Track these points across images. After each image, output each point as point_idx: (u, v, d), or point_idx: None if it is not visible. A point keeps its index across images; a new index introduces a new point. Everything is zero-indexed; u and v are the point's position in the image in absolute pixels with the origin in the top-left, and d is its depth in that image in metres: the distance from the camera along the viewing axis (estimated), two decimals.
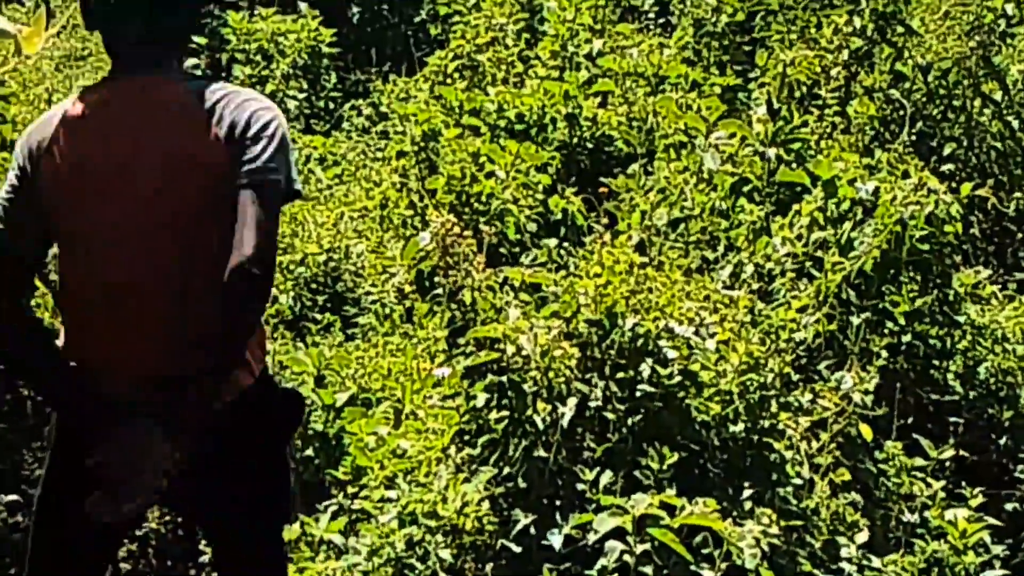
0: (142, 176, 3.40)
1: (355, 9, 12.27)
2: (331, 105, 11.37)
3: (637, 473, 5.08)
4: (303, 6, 11.80)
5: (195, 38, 11.84)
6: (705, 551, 4.88)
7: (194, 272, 3.38)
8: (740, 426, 5.36)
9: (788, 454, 5.49)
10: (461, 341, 5.51)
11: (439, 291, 5.70)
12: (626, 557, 4.84)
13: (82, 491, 3.28)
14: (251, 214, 3.31)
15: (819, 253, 6.37)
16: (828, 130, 7.75)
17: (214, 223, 3.36)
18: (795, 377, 5.86)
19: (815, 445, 5.60)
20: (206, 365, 3.29)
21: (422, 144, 8.40)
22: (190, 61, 11.64)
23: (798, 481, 5.40)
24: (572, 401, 5.18)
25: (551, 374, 5.22)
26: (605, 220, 6.20)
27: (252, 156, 3.34)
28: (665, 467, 5.08)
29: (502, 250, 7.56)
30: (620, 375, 5.27)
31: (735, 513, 5.08)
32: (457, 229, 5.56)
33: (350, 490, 5.69)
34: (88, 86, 3.59)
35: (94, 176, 3.42)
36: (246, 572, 3.59)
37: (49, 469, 3.54)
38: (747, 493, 5.23)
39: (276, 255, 3.45)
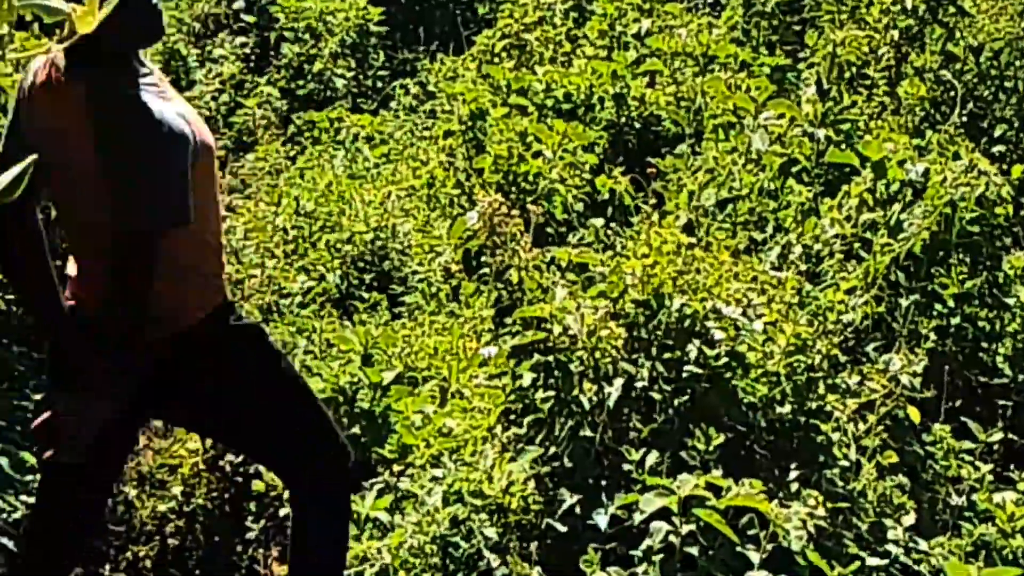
0: (52, 140, 3.79)
1: None
2: (379, 84, 11.38)
3: (683, 454, 5.07)
4: None
5: (244, 16, 11.89)
6: (751, 532, 4.86)
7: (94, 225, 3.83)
8: (787, 407, 5.33)
9: (835, 436, 5.46)
10: (508, 321, 5.51)
11: (486, 270, 5.70)
12: (672, 538, 4.83)
13: None
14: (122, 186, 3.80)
15: (868, 235, 6.33)
16: (878, 111, 7.70)
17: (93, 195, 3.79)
18: (843, 359, 5.83)
19: (862, 427, 5.56)
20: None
21: (469, 123, 8.38)
22: (239, 39, 11.68)
23: (845, 463, 5.37)
24: (618, 381, 5.17)
25: (597, 354, 5.21)
26: (653, 200, 6.17)
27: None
28: (711, 448, 5.07)
29: (549, 230, 7.55)
30: (667, 356, 5.26)
31: (781, 495, 5.07)
32: (504, 209, 5.55)
33: (396, 468, 5.70)
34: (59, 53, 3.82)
35: (44, 128, 3.82)
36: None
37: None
38: (794, 475, 5.21)
39: None
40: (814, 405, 5.38)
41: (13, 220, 3.83)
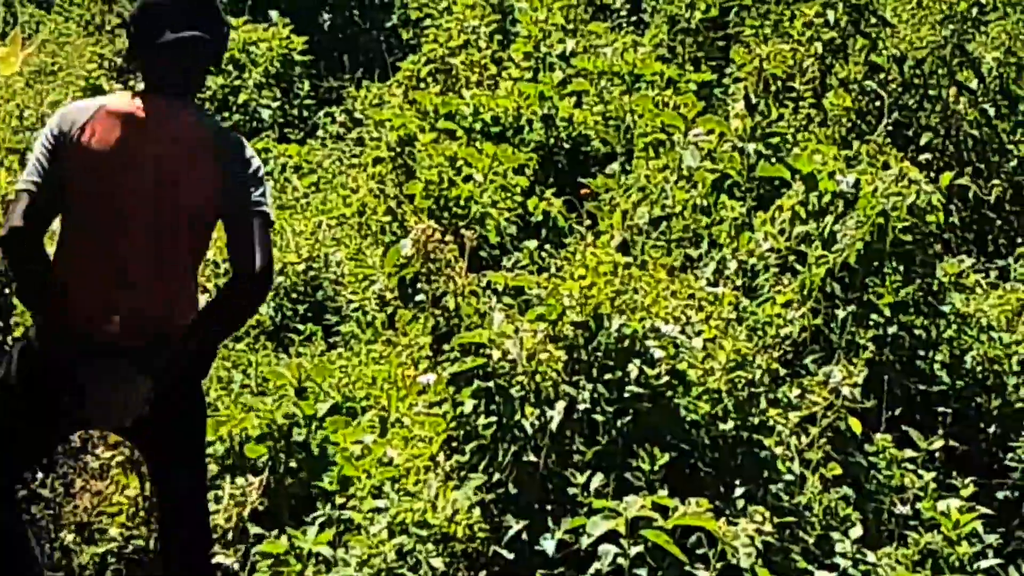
0: (160, 177, 4.43)
1: (326, 16, 12.22)
2: (305, 113, 11.33)
3: (628, 475, 5.04)
4: (274, 14, 11.76)
5: None
6: (700, 551, 4.84)
7: (174, 261, 4.47)
8: (730, 424, 5.32)
9: (779, 450, 5.45)
10: (446, 347, 5.46)
11: (422, 297, 5.65)
12: (620, 560, 4.80)
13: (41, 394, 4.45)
14: (258, 238, 4.44)
15: (802, 247, 6.34)
16: (805, 123, 7.73)
17: (196, 231, 4.51)
18: (783, 373, 5.82)
19: (805, 440, 5.56)
20: (189, 336, 4.45)
21: (398, 150, 8.34)
22: None
23: (789, 477, 5.36)
24: (560, 405, 5.14)
25: (538, 378, 5.18)
26: (588, 221, 6.15)
27: (256, 193, 4.49)
28: (656, 468, 5.04)
29: (483, 254, 7.51)
30: (608, 376, 5.23)
31: (728, 512, 5.05)
32: (438, 235, 5.51)
33: (338, 501, 5.63)
34: (124, 94, 4.62)
35: (115, 167, 4.42)
36: (176, 484, 4.65)
37: (11, 371, 4.52)
38: (739, 491, 5.19)
39: None
40: (756, 420, 5.37)
41: (32, 245, 4.46)
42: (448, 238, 5.55)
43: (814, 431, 5.60)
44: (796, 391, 5.71)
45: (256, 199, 4.47)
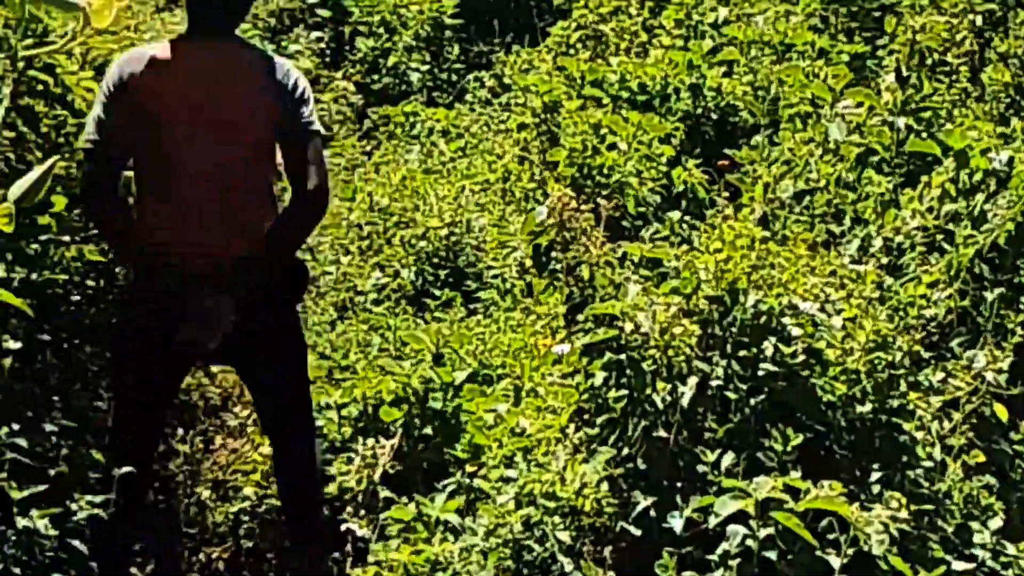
0: (215, 113, 4.67)
1: None
2: (454, 77, 11.29)
3: (760, 455, 4.94)
4: None
5: (319, 11, 11.85)
6: (831, 536, 4.72)
7: (249, 186, 4.74)
8: (868, 406, 5.19)
9: (919, 435, 5.31)
10: (580, 318, 5.41)
11: (558, 266, 5.59)
12: (749, 542, 4.71)
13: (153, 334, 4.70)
14: (312, 157, 4.72)
15: (950, 226, 6.16)
16: (960, 98, 7.51)
17: (258, 159, 4.76)
18: (926, 355, 5.67)
19: (947, 426, 5.41)
20: (266, 255, 4.68)
21: (543, 116, 8.28)
22: (314, 34, 11.64)
23: (929, 464, 5.22)
24: (692, 380, 5.05)
25: (671, 352, 5.09)
26: (726, 193, 6.04)
27: (304, 114, 4.74)
28: (789, 449, 4.93)
29: (625, 223, 7.43)
30: (742, 353, 5.13)
31: (863, 497, 4.92)
32: (574, 203, 5.44)
33: (469, 469, 5.62)
34: (174, 38, 4.86)
35: (178, 106, 4.66)
36: (281, 418, 4.97)
37: (124, 320, 4.95)
38: (875, 476, 5.06)
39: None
40: (896, 403, 5.23)
41: (103, 200, 4.75)
42: (585, 207, 5.48)
43: (957, 416, 5.45)
44: (939, 375, 5.55)
45: (307, 119, 4.75)
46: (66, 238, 5.11)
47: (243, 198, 4.75)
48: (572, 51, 10.50)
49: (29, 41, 4.46)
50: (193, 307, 4.66)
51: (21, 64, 5.13)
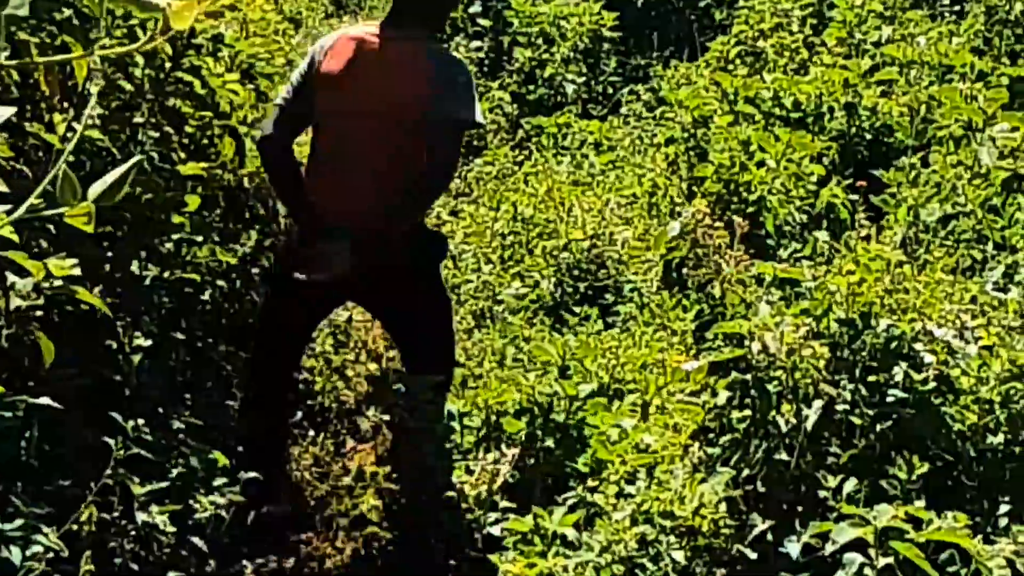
0: (379, 99, 5.32)
1: None
2: (610, 90, 11.27)
3: (883, 482, 4.82)
4: None
5: (480, 20, 11.91)
6: (951, 569, 4.59)
7: (388, 164, 5.32)
8: (1000, 437, 5.03)
9: None
10: (708, 335, 5.33)
11: (688, 282, 5.54)
12: (867, 571, 4.59)
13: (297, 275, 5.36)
14: (447, 143, 5.33)
15: None
16: None
17: (408, 143, 5.32)
18: None
19: None
20: (397, 217, 5.30)
21: (692, 131, 8.21)
22: (474, 43, 11.71)
23: None
24: (818, 404, 4.94)
25: (797, 374, 5.00)
26: (864, 215, 5.91)
27: (449, 106, 5.25)
28: (914, 477, 4.80)
29: (770, 241, 7.34)
30: (871, 378, 5.01)
31: (988, 530, 4.78)
32: (708, 220, 5.38)
33: (590, 483, 5.57)
34: (368, 23, 5.72)
35: (345, 86, 5.36)
36: (420, 354, 5.62)
37: (281, 261, 5.66)
38: (1003, 509, 4.90)
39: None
40: None
41: (279, 149, 5.52)
42: (718, 224, 5.41)
43: None
44: None
45: (461, 116, 5.31)
46: (199, 238, 5.19)
47: (386, 171, 5.35)
48: (731, 66, 10.42)
49: (106, 40, 4.52)
50: (325, 248, 5.29)
51: (159, 63, 5.21)
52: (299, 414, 6.42)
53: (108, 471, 4.49)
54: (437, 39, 5.91)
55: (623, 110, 10.82)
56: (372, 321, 6.41)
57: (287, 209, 5.77)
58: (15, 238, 2.77)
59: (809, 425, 4.92)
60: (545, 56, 11.23)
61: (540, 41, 11.32)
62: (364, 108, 5.35)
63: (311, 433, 6.37)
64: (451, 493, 5.44)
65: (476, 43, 11.74)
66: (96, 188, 2.11)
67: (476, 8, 11.97)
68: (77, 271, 3.54)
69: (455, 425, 5.99)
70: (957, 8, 10.63)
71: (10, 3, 1.83)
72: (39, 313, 4.09)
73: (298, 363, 6.00)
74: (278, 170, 5.55)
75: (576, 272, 7.82)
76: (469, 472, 5.63)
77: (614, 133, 10.21)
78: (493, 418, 5.85)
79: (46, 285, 3.84)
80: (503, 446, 5.75)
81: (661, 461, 5.35)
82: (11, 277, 4.03)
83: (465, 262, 8.34)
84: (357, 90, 5.36)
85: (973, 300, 5.43)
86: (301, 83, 5.49)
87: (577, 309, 7.40)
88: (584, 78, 11.16)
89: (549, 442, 5.73)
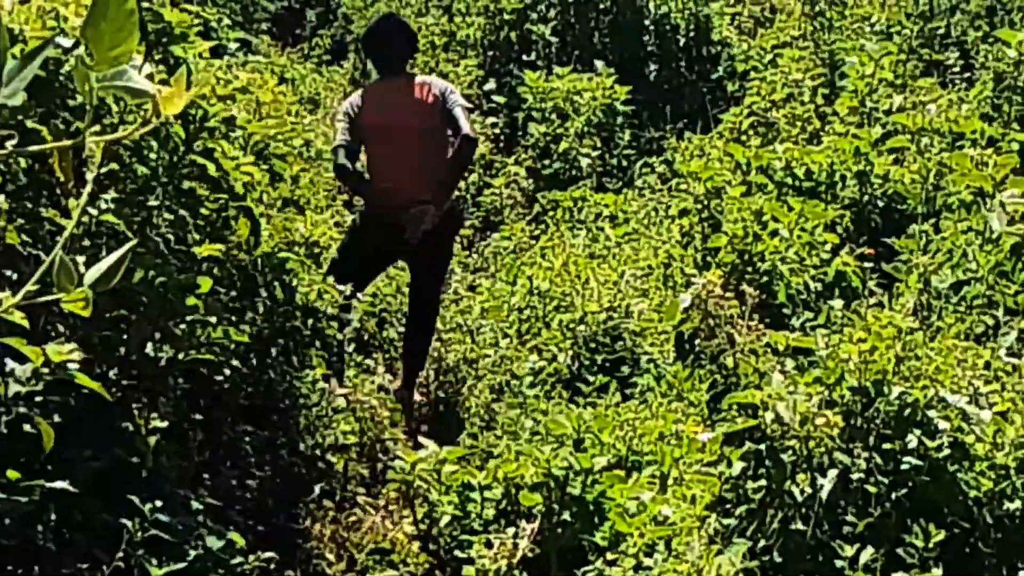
0: (409, 114, 7.58)
1: (652, 67, 12.20)
2: (624, 163, 11.32)
3: (900, 551, 4.82)
4: (599, 64, 11.82)
5: (495, 97, 12.02)
6: None
7: (431, 155, 7.50)
8: (1016, 503, 5.03)
9: None
10: (723, 405, 5.35)
11: (702, 354, 5.55)
12: None
13: (374, 236, 7.60)
14: (462, 121, 7.51)
15: None
16: None
17: (436, 140, 7.56)
18: None
19: None
20: (441, 195, 7.50)
21: (706, 201, 8.25)
22: (489, 119, 11.80)
23: None
24: (833, 472, 4.95)
25: (811, 443, 5.01)
26: (876, 282, 5.92)
27: (452, 100, 7.58)
28: (931, 545, 4.80)
29: (785, 310, 7.35)
30: (885, 446, 5.02)
31: None
32: (719, 291, 5.40)
33: (609, 556, 5.56)
34: (374, 81, 8.21)
35: (387, 114, 7.59)
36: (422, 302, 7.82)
37: (356, 229, 7.78)
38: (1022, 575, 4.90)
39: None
40: None
41: (351, 172, 7.65)
42: (729, 294, 5.44)
43: None
44: None
45: (455, 102, 7.56)
46: (212, 319, 5.23)
47: (429, 165, 7.49)
48: (744, 137, 10.49)
49: (96, 128, 4.58)
50: (407, 216, 7.41)
51: (173, 146, 5.27)
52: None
53: (124, 553, 4.50)
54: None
55: (637, 183, 10.88)
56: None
57: (364, 199, 7.90)
58: (25, 323, 2.81)
59: (824, 494, 4.92)
60: (560, 131, 11.31)
61: (554, 116, 11.40)
62: (402, 123, 7.56)
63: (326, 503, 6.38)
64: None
65: (492, 119, 11.83)
66: (92, 274, 2.15)
67: (491, 85, 12.08)
68: (77, 356, 3.57)
69: (476, 496, 6.01)
70: (967, 75, 10.69)
71: (3, 92, 1.87)
72: (39, 399, 4.12)
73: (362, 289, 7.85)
74: (354, 183, 7.86)
75: (593, 344, 7.84)
76: (488, 546, 5.63)
77: (629, 206, 10.26)
78: (512, 491, 5.85)
79: (46, 371, 3.87)
80: (521, 520, 5.75)
81: (679, 533, 5.35)
82: (10, 363, 4.07)
83: (483, 336, 8.37)
84: (393, 115, 7.58)
85: (986, 366, 5.44)
86: (350, 127, 7.61)
87: (594, 380, 7.42)
88: (598, 152, 11.23)
89: (566, 515, 5.72)
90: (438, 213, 7.46)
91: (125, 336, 5.04)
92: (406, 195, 7.43)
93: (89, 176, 3.96)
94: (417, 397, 8.00)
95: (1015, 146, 7.87)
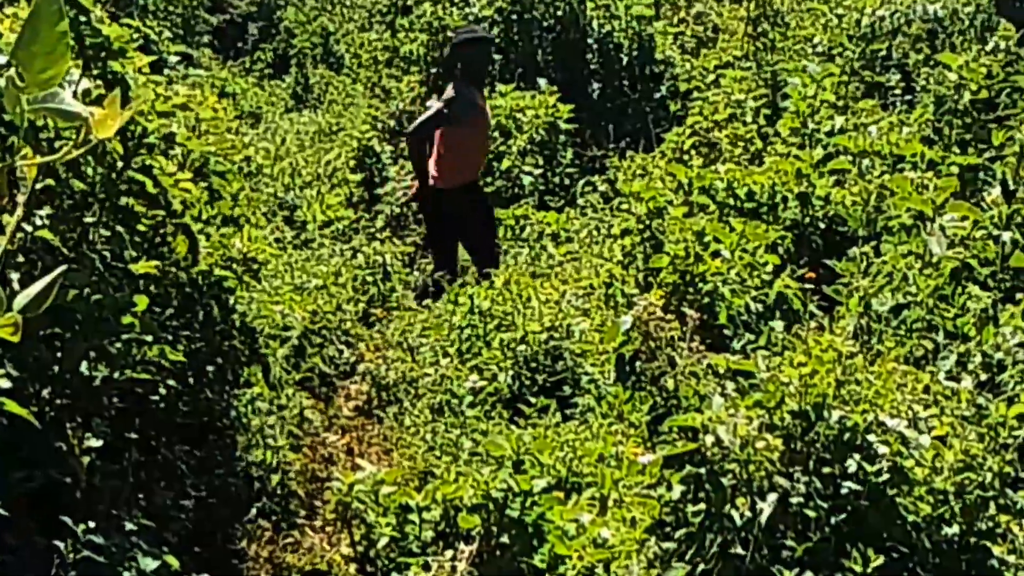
0: (486, 126, 10.27)
1: (595, 85, 12.21)
2: (566, 181, 11.32)
3: None
4: (542, 82, 11.81)
5: None
6: None
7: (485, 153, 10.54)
8: (955, 528, 5.03)
9: (1010, 559, 5.13)
10: (663, 428, 5.33)
11: (643, 376, 5.53)
12: None
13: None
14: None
15: None
16: None
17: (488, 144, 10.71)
18: None
19: None
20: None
21: (647, 222, 8.24)
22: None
23: None
24: (772, 497, 4.94)
25: (751, 467, 4.99)
26: (817, 304, 5.92)
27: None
28: (870, 570, 4.80)
29: (727, 332, 7.35)
30: (825, 470, 5.01)
31: None
32: (660, 313, 5.39)
33: None
34: (467, 84, 10.10)
35: (479, 121, 10.12)
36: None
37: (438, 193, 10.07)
38: None
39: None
40: (985, 526, 5.07)
41: (424, 143, 9.94)
42: (670, 316, 5.42)
43: None
44: None
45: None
46: (148, 337, 5.16)
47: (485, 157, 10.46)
48: (686, 157, 10.50)
49: (27, 151, 4.53)
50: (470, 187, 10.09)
51: (111, 162, 5.21)
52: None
53: (56, 575, 4.43)
54: None
55: (580, 201, 10.87)
56: None
57: (418, 172, 9.98)
58: None
59: (764, 518, 4.91)
60: (502, 148, 11.29)
61: (497, 134, 11.38)
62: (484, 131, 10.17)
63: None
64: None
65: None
66: (20, 300, 2.11)
67: (432, 103, 12.02)
68: (4, 383, 3.51)
69: (414, 517, 5.97)
70: (908, 98, 10.76)
71: None
72: None
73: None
74: (419, 151, 9.90)
75: (534, 364, 7.81)
76: (426, 568, 5.60)
77: (571, 224, 10.25)
78: (451, 513, 5.81)
79: None
80: (460, 542, 5.72)
81: (618, 556, 5.33)
82: None
83: (423, 355, 8.32)
84: (481, 122, 10.02)
85: (926, 390, 5.45)
86: (445, 112, 9.80)
87: (534, 401, 7.39)
88: (541, 170, 11.22)
89: (505, 538, 5.69)
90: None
91: (59, 355, 4.96)
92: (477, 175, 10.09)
93: (21, 196, 3.90)
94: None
95: (955, 169, 7.91)
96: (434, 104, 10.02)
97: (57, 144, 4.89)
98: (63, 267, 2.12)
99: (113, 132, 1.91)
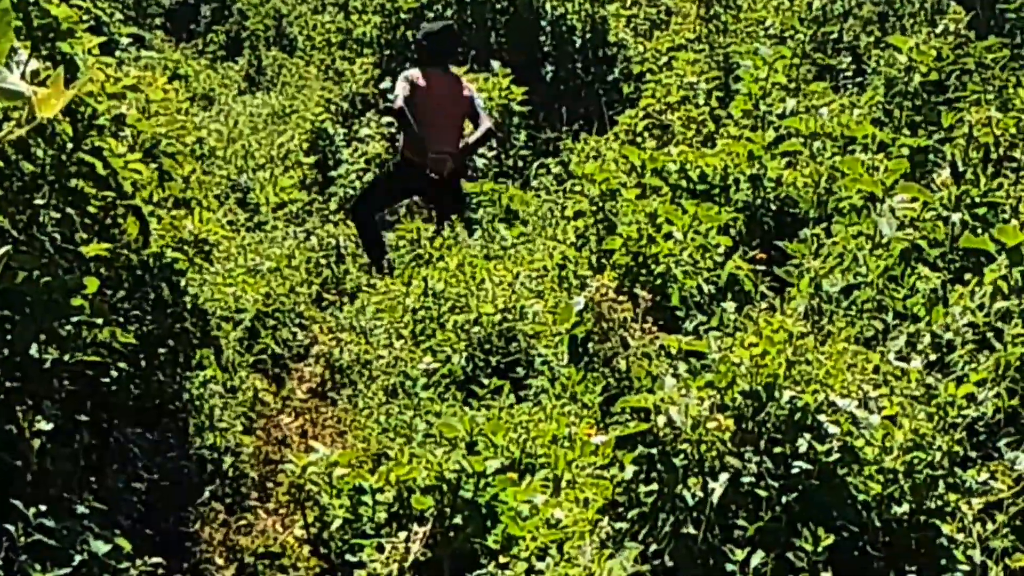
0: (450, 97, 10.39)
1: (548, 67, 12.22)
2: (520, 163, 11.32)
3: (790, 555, 4.84)
4: (495, 64, 11.81)
5: (390, 96, 11.96)
6: None
7: (455, 126, 10.42)
8: (904, 507, 5.07)
9: (959, 537, 5.17)
10: (615, 409, 5.35)
11: (595, 357, 5.55)
12: None
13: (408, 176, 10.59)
14: (483, 116, 10.47)
15: (1000, 324, 6.04)
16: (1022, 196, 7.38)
17: (461, 118, 10.44)
18: (973, 455, 5.55)
19: (989, 528, 5.27)
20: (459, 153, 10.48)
21: (600, 204, 8.25)
22: (384, 119, 11.76)
23: (967, 567, 5.08)
24: (724, 476, 4.96)
25: (703, 447, 5.02)
26: (768, 286, 5.95)
27: (479, 104, 10.54)
28: (820, 549, 4.82)
29: (679, 313, 7.37)
30: (776, 450, 5.04)
31: None
32: (612, 294, 5.40)
33: (502, 560, 5.54)
34: (427, 67, 10.52)
35: (438, 92, 10.33)
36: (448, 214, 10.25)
37: (396, 167, 10.78)
38: None
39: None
40: (934, 504, 5.11)
41: (410, 119, 10.23)
42: (623, 298, 5.44)
43: (1000, 518, 5.30)
44: (983, 475, 5.42)
45: (482, 108, 10.50)
46: (99, 320, 5.14)
47: (458, 130, 10.31)
48: (639, 139, 10.52)
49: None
50: (437, 159, 10.19)
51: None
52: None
53: (6, 559, 4.41)
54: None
55: (533, 183, 10.88)
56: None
57: (413, 140, 10.24)
58: None
59: (715, 498, 4.94)
60: None
61: None
62: (444, 100, 10.25)
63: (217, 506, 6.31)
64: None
65: (387, 118, 11.78)
66: None
67: (387, 84, 12.03)
68: None
69: (368, 499, 5.97)
70: (859, 80, 10.81)
71: None
72: None
73: (382, 211, 10.98)
74: (406, 123, 10.18)
75: (487, 346, 7.81)
76: (380, 550, 5.60)
77: (525, 208, 10.25)
78: (404, 494, 5.82)
79: None
80: (414, 523, 5.72)
81: (571, 536, 5.34)
82: None
83: (377, 337, 8.31)
84: (441, 92, 10.26)
85: (876, 370, 5.49)
86: (407, 94, 10.21)
87: (488, 382, 7.39)
88: (494, 152, 11.22)
89: (458, 519, 5.69)
90: (453, 165, 10.23)
91: (9, 337, 4.93)
92: (433, 147, 10.17)
93: None
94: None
95: (905, 151, 7.96)
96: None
97: (4, 125, 4.86)
98: (6, 247, 2.11)
99: (57, 111, 1.91)
